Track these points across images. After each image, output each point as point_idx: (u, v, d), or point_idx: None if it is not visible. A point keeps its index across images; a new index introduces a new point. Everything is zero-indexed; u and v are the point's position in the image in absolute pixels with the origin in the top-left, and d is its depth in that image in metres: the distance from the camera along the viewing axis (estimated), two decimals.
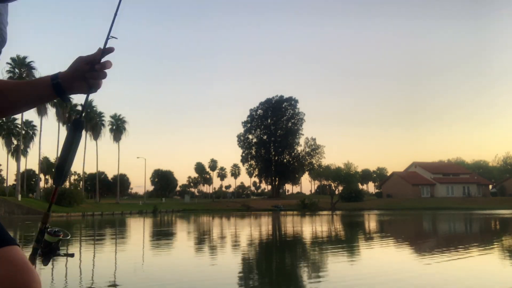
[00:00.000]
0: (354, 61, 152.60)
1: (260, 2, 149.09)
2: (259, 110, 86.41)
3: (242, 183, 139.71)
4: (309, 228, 24.63)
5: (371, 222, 29.87)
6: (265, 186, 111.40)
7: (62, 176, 1.08)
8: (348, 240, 17.46)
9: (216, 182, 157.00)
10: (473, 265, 9.67)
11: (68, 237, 1.12)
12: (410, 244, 14.87)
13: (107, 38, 1.07)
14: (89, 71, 1.06)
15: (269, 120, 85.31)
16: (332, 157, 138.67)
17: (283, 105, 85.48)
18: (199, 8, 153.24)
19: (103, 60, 1.06)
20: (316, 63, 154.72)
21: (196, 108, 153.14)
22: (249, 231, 22.24)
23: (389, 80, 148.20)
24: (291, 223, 29.65)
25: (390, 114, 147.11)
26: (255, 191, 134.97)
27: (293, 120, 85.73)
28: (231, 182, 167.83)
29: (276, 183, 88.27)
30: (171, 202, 78.95)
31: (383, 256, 11.64)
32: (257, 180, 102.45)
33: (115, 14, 1.08)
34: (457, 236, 19.03)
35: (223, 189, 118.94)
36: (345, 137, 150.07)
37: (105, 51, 1.06)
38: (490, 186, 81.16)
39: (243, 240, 17.09)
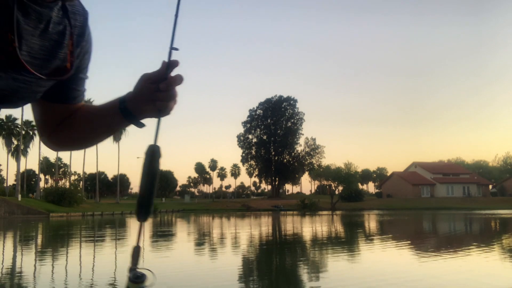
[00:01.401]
0: (354, 60, 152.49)
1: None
2: (259, 110, 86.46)
3: (242, 183, 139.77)
4: (309, 228, 24.62)
5: (371, 222, 29.87)
6: (265, 186, 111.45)
7: (145, 211, 0.87)
8: (348, 240, 17.46)
9: (216, 182, 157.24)
10: (473, 266, 9.67)
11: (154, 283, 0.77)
12: (410, 245, 14.87)
13: (171, 49, 0.87)
14: (155, 92, 0.88)
15: (269, 120, 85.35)
16: (332, 157, 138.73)
17: (283, 105, 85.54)
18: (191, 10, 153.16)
19: (170, 76, 0.87)
20: (315, 62, 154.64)
21: (196, 108, 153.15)
22: (249, 231, 22.24)
23: (389, 79, 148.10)
24: (291, 223, 29.65)
25: (390, 113, 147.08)
26: (255, 191, 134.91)
27: (292, 120, 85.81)
28: (231, 182, 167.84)
29: (276, 183, 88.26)
30: (171, 202, 78.92)
31: (383, 257, 11.63)
32: (257, 180, 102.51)
33: (176, 17, 0.87)
34: (457, 237, 19.03)
35: (223, 189, 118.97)
36: (345, 137, 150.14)
37: (170, 65, 0.87)
38: (490, 186, 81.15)
39: (243, 240, 17.09)
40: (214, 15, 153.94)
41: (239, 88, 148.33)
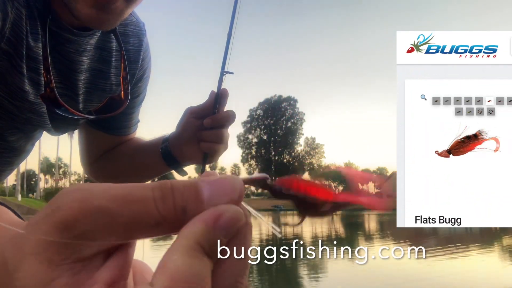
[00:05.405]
0: (353, 57, 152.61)
1: None
2: (259, 110, 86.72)
3: None
4: (309, 228, 24.64)
5: (371, 223, 29.90)
6: None
7: None
8: (349, 240, 17.46)
9: None
10: (473, 266, 9.67)
11: None
12: (411, 244, 14.88)
13: (221, 74, 0.71)
14: (199, 130, 0.72)
15: (269, 120, 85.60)
16: (332, 157, 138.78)
17: (283, 105, 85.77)
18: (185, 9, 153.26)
19: (221, 109, 0.71)
20: (315, 58, 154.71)
21: None
22: None
23: (389, 77, 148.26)
24: (291, 223, 29.66)
25: (390, 112, 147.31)
26: (255, 191, 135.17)
27: (292, 120, 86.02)
28: None
29: None
30: None
31: (383, 257, 11.63)
32: None
33: (229, 36, 0.69)
34: (458, 237, 19.04)
35: None
36: (345, 136, 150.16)
37: (220, 95, 0.70)
38: None
39: None
40: (212, 14, 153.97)
41: (239, 88, 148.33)
